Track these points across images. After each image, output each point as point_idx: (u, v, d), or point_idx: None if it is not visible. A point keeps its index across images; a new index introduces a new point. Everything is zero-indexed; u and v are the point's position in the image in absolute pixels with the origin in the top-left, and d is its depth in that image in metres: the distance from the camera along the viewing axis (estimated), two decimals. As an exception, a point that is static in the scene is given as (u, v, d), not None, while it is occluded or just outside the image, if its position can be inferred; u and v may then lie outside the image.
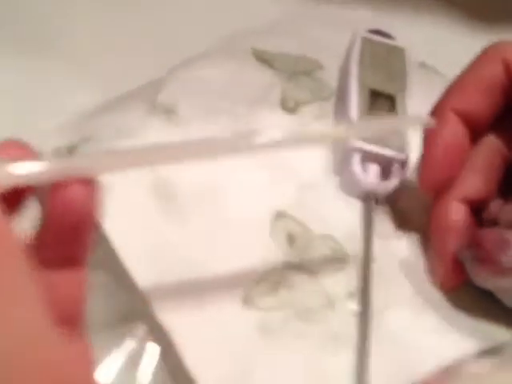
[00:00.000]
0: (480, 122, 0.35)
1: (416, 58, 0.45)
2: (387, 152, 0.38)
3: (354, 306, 0.35)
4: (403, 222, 0.38)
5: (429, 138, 0.36)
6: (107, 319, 0.34)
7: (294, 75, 0.44)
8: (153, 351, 0.32)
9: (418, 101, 0.40)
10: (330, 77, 0.44)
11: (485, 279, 0.34)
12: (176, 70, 0.44)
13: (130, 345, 0.32)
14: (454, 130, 0.35)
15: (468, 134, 0.35)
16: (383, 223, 0.38)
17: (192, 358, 0.32)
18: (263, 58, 0.44)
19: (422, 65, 0.46)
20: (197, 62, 0.44)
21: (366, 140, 0.38)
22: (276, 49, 0.45)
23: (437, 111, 0.36)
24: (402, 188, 0.39)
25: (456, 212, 0.35)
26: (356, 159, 0.38)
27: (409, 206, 0.39)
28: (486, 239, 0.33)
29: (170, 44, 0.48)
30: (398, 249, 0.37)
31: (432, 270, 0.36)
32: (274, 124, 0.41)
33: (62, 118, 0.42)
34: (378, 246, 0.37)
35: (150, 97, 0.42)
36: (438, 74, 0.46)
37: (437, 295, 0.36)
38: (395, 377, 0.32)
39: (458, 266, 0.34)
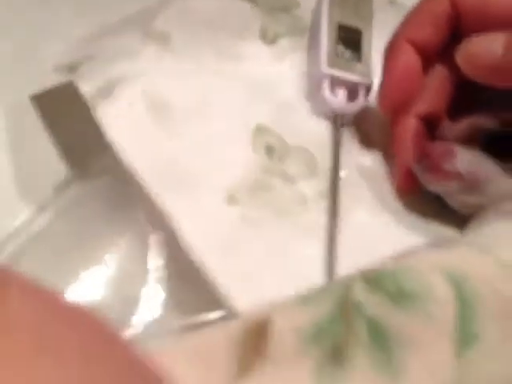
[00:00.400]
0: (430, 49, 0.41)
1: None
2: (354, 77, 0.44)
3: (324, 203, 0.40)
4: (367, 140, 0.44)
5: (387, 64, 0.42)
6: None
7: (273, 10, 0.49)
8: (157, 238, 0.37)
9: (384, 35, 0.45)
10: (305, 14, 0.49)
11: (434, 185, 0.40)
12: (167, 1, 0.49)
13: (133, 231, 0.38)
14: (408, 57, 0.41)
15: (420, 61, 0.41)
16: (349, 141, 0.43)
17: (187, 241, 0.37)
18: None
19: (391, 2, 0.52)
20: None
21: (334, 66, 0.44)
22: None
23: (393, 42, 0.42)
24: (367, 111, 0.44)
25: (411, 125, 0.41)
26: (326, 83, 0.44)
27: (372, 127, 0.44)
28: (434, 150, 0.39)
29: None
30: (362, 162, 0.43)
31: (391, 177, 0.42)
32: (254, 54, 0.46)
33: (61, 42, 0.46)
34: (344, 159, 0.42)
35: (146, 23, 0.47)
36: (406, 9, 0.51)
37: (394, 200, 0.42)
38: (356, 262, 0.37)
39: (412, 173, 0.40)
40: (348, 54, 0.45)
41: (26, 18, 0.49)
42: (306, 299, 0.32)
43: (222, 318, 0.35)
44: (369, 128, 0.44)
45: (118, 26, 0.47)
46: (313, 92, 0.45)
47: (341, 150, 0.43)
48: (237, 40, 0.47)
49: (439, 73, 0.42)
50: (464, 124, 0.41)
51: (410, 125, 0.41)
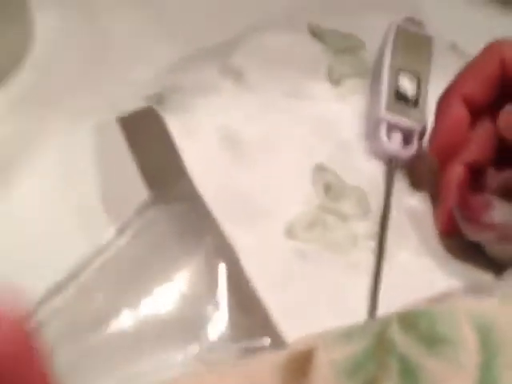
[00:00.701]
0: (479, 105, 0.45)
1: (447, 41, 0.55)
2: (409, 123, 0.48)
3: (372, 243, 0.45)
4: (418, 184, 0.48)
5: (439, 115, 0.46)
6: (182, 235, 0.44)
7: (340, 51, 0.53)
8: (223, 264, 0.42)
9: (442, 80, 0.49)
10: (370, 56, 0.53)
11: (471, 233, 0.44)
12: (244, 36, 0.53)
13: (202, 256, 0.43)
14: (458, 111, 0.45)
15: (469, 115, 0.45)
16: (401, 184, 0.48)
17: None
18: (316, 33, 0.54)
19: (453, 47, 0.55)
20: (262, 30, 0.54)
21: (392, 112, 0.48)
22: (328, 25, 0.55)
23: (446, 94, 0.46)
24: (420, 155, 0.49)
25: (457, 173, 0.45)
26: (383, 128, 0.48)
27: (423, 171, 0.49)
28: (474, 202, 0.43)
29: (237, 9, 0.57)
30: (411, 204, 0.47)
31: (435, 220, 0.46)
32: (319, 93, 0.50)
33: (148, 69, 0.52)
34: (395, 201, 0.47)
35: (223, 57, 0.51)
36: (465, 56, 0.55)
37: (437, 243, 0.46)
38: (398, 301, 0.42)
39: (454, 218, 0.45)
40: (406, 98, 0.49)
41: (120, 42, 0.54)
42: (346, 334, 0.35)
43: (272, 346, 0.40)
44: (420, 172, 0.49)
45: (197, 59, 0.52)
46: (370, 134, 0.49)
47: (392, 191, 0.47)
48: (304, 78, 0.51)
49: (486, 127, 0.46)
50: (507, 173, 0.45)
51: (456, 172, 0.46)
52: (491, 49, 0.45)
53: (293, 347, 0.36)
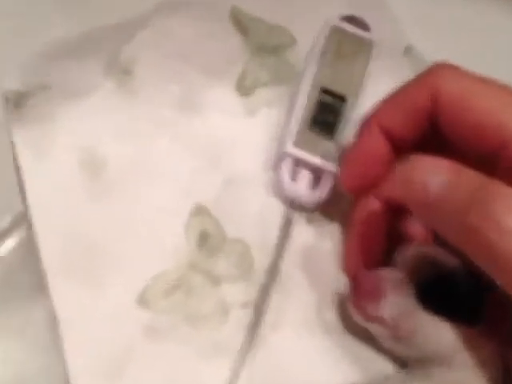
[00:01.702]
0: (403, 140, 0.36)
1: (401, 44, 0.44)
2: (320, 162, 0.39)
3: (246, 317, 0.36)
4: (324, 234, 0.39)
5: (355, 142, 0.37)
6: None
7: (261, 49, 0.43)
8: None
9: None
10: (299, 59, 0.43)
11: (356, 318, 0.35)
12: (144, 19, 0.43)
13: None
14: (375, 142, 0.36)
15: (389, 147, 0.36)
16: (302, 232, 0.39)
17: (70, 340, 0.34)
18: (239, 21, 0.44)
19: (407, 52, 0.45)
20: (168, 12, 0.44)
21: (301, 145, 0.38)
22: (254, 11, 0.44)
23: (364, 123, 0.36)
24: (332, 198, 0.39)
25: (370, 208, 0.36)
26: (286, 165, 0.39)
27: (334, 217, 0.39)
28: (364, 283, 0.34)
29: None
30: (308, 266, 0.38)
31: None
32: (221, 104, 0.41)
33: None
34: (289, 256, 0.38)
35: (114, 48, 0.42)
36: (420, 63, 0.44)
37: (332, 320, 0.37)
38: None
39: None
40: (324, 127, 0.39)
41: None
42: None
43: None
44: (331, 220, 0.39)
45: (82, 47, 0.42)
46: (271, 170, 0.40)
47: (287, 246, 0.38)
48: (206, 84, 0.41)
49: None
50: (410, 252, 0.36)
51: (369, 207, 0.36)
52: (426, 78, 0.35)
53: None
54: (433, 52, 0.44)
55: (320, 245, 0.39)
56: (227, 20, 0.44)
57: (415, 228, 0.38)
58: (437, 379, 0.34)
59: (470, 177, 0.31)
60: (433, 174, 0.32)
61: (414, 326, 0.34)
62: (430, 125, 0.35)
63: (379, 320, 0.34)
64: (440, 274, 0.35)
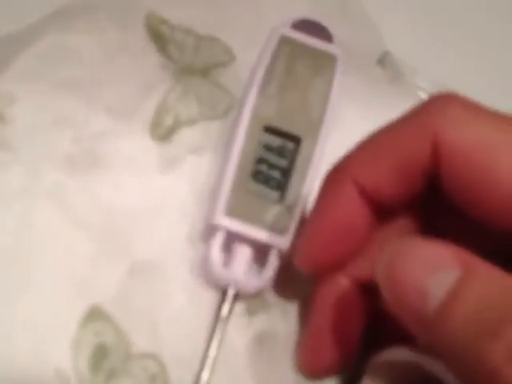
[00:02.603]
0: (387, 202, 0.26)
1: (375, 53, 0.33)
2: (263, 234, 0.27)
3: None
4: (267, 327, 0.28)
5: (317, 205, 0.26)
6: None
7: (187, 72, 0.32)
8: None
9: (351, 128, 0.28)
10: (237, 81, 0.31)
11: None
12: (39, 27, 0.32)
13: None
14: (348, 206, 0.25)
15: (368, 214, 0.26)
16: (240, 329, 0.28)
17: None
18: (157, 33, 0.32)
19: (381, 61, 0.34)
20: (65, 19, 0.32)
21: (237, 214, 0.27)
22: (180, 19, 0.33)
23: (331, 177, 0.26)
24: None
25: (336, 288, 0.26)
26: (216, 241, 0.27)
27: (280, 300, 0.28)
28: None
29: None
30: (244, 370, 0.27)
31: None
32: (127, 153, 0.29)
33: None
34: (222, 371, 0.27)
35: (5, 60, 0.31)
36: (398, 77, 0.33)
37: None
38: None
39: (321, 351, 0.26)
40: (267, 185, 0.28)
41: None
42: None
43: None
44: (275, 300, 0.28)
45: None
46: (203, 241, 0.28)
47: (217, 359, 0.27)
48: (109, 127, 0.30)
49: (397, 230, 0.27)
50: (383, 357, 0.25)
51: (335, 286, 0.26)
52: (422, 118, 0.24)
53: None
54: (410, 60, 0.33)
55: (266, 348, 0.27)
56: (141, 31, 0.32)
57: None
58: None
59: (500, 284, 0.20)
60: (435, 274, 0.21)
61: None
62: (426, 182, 0.25)
63: None
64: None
